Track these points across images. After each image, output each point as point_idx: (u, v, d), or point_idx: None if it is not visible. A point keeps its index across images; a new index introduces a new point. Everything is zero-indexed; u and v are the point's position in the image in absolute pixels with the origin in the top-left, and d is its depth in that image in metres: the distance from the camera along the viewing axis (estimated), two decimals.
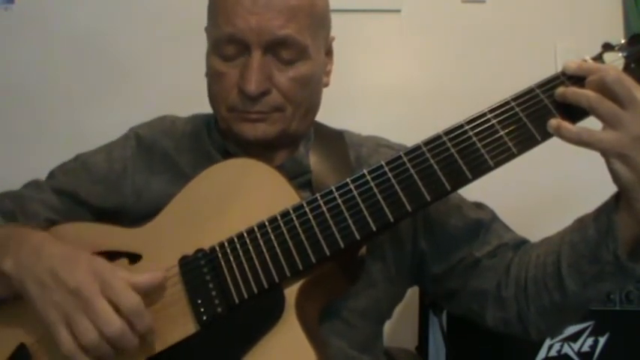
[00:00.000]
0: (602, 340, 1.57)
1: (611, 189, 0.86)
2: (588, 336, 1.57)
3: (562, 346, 1.58)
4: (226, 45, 0.96)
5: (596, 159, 0.85)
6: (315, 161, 1.03)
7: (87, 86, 1.86)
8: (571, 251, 0.91)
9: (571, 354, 1.58)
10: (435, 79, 1.96)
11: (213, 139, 1.06)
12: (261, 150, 1.00)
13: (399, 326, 1.78)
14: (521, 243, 1.02)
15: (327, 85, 1.06)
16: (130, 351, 0.82)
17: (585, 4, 1.99)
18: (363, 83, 1.91)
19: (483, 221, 1.03)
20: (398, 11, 1.95)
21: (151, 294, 0.86)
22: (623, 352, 1.56)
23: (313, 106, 1.04)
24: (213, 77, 0.99)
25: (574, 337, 1.57)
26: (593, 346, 1.57)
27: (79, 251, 0.86)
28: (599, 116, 0.82)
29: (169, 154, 1.05)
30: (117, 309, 0.80)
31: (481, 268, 1.00)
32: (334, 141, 1.09)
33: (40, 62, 1.85)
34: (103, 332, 0.79)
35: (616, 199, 0.87)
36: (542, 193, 1.90)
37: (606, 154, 0.82)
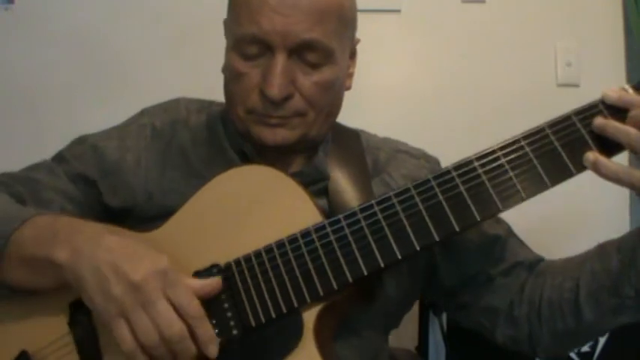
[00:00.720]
0: (602, 340, 1.57)
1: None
2: None
3: None
4: (249, 44, 0.91)
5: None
6: (332, 166, 0.99)
7: (87, 86, 1.86)
8: (591, 280, 0.88)
9: (571, 354, 1.58)
10: (435, 79, 1.96)
11: (230, 134, 1.00)
12: (278, 152, 0.97)
13: (399, 326, 1.78)
14: (536, 262, 0.99)
15: (349, 88, 1.02)
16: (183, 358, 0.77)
17: (585, 4, 1.99)
18: (363, 83, 1.89)
19: (500, 237, 1.00)
20: (398, 11, 1.95)
21: None
22: (623, 352, 1.56)
23: (335, 110, 1.00)
24: (233, 76, 0.94)
25: None
26: (593, 346, 1.57)
27: (143, 246, 0.81)
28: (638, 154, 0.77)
29: (185, 149, 1.00)
30: (177, 312, 0.76)
31: (495, 285, 0.98)
32: (351, 143, 1.05)
33: (40, 62, 1.85)
34: (163, 333, 0.75)
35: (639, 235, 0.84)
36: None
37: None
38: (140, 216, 0.97)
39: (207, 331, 0.78)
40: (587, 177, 0.81)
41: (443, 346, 1.77)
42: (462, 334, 1.56)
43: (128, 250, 0.79)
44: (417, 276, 1.01)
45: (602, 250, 0.89)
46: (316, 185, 0.97)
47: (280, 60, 0.89)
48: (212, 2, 1.75)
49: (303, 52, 0.91)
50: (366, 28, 1.90)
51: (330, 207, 0.95)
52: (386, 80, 1.94)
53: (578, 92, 1.95)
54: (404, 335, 1.78)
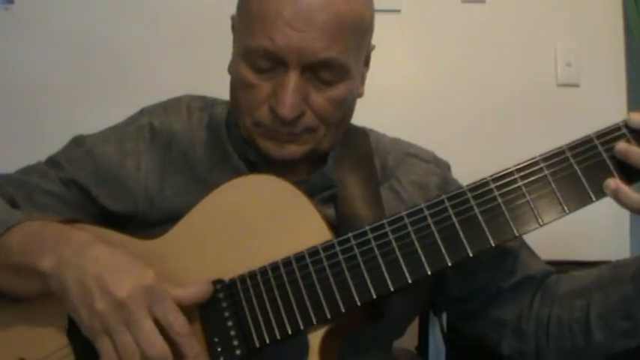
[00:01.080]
0: None
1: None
2: None
3: None
4: (260, 58, 0.86)
5: None
6: (340, 171, 0.96)
7: (87, 86, 1.86)
8: (603, 302, 0.86)
9: None
10: (435, 78, 1.96)
11: (233, 138, 0.97)
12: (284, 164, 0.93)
13: None
14: (547, 275, 0.97)
15: (361, 95, 0.98)
16: None
17: (585, 4, 1.99)
18: None
19: (511, 249, 0.97)
20: (398, 11, 1.95)
21: None
22: (623, 351, 1.55)
23: (347, 121, 0.97)
24: (241, 85, 0.90)
25: None
26: None
27: (128, 257, 0.79)
28: None
29: (186, 153, 0.97)
30: (162, 329, 0.75)
31: (504, 298, 0.96)
32: (360, 144, 1.02)
33: (40, 62, 1.85)
34: (145, 352, 0.74)
35: None
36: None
37: None
38: (143, 221, 0.95)
39: (193, 349, 0.76)
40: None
41: (443, 346, 1.76)
42: (462, 334, 1.56)
43: (114, 262, 0.78)
44: (425, 288, 0.98)
45: (616, 272, 0.87)
46: (324, 193, 0.95)
47: (293, 77, 0.85)
48: (212, 2, 1.75)
49: (317, 69, 0.87)
50: None
51: (338, 216, 0.93)
52: (386, 80, 1.93)
53: (578, 92, 1.95)
54: (404, 335, 1.77)
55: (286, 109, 0.85)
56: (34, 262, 0.79)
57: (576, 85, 1.95)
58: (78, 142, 1.01)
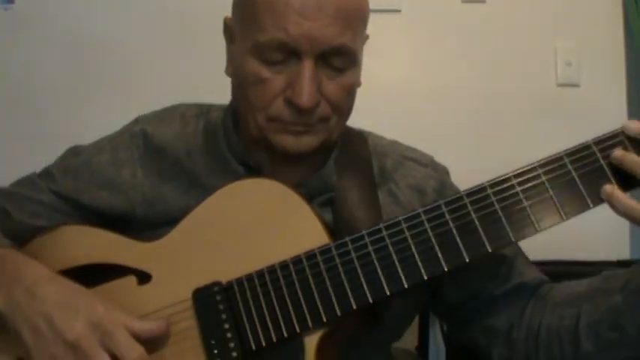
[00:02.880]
0: None
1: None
2: None
3: None
4: (274, 51, 0.86)
5: None
6: (338, 174, 0.96)
7: (86, 86, 1.86)
8: (593, 311, 0.86)
9: None
10: (435, 78, 1.96)
11: (231, 143, 0.97)
12: (286, 160, 0.93)
13: None
14: (540, 284, 0.97)
15: (360, 84, 0.98)
16: None
17: (585, 4, 1.99)
18: (363, 83, 1.90)
19: (507, 256, 0.97)
20: (398, 11, 1.95)
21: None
22: None
23: (352, 110, 0.97)
24: (252, 82, 0.88)
25: None
26: None
27: (78, 294, 0.81)
28: None
29: (181, 160, 0.97)
30: None
31: (497, 305, 0.96)
32: (358, 148, 1.02)
33: (39, 62, 1.85)
34: None
35: None
36: None
37: None
38: (142, 223, 0.95)
39: None
40: None
41: (443, 346, 1.76)
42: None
43: (63, 301, 0.79)
44: (422, 292, 0.98)
45: (607, 283, 0.87)
46: (322, 196, 0.95)
47: (308, 66, 0.85)
48: (213, 2, 1.75)
49: (329, 57, 0.87)
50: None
51: (335, 219, 0.92)
52: (386, 80, 1.93)
53: (578, 92, 1.95)
54: (404, 335, 1.78)
55: (305, 99, 0.85)
56: None
57: (576, 85, 1.95)
58: (74, 152, 1.02)
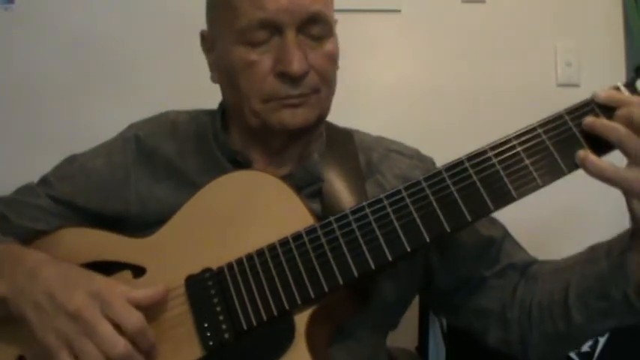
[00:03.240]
0: (602, 340, 1.57)
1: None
2: None
3: None
4: (256, 31, 0.90)
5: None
6: (326, 168, 0.99)
7: (87, 86, 1.85)
8: (580, 283, 0.88)
9: (571, 354, 1.58)
10: (435, 79, 1.96)
11: (220, 142, 1.01)
12: (275, 151, 0.98)
13: (399, 326, 1.78)
14: (530, 263, 1.00)
15: (338, 55, 1.01)
16: None
17: (585, 4, 1.99)
18: (363, 83, 1.91)
19: (495, 239, 1.00)
20: (398, 11, 1.95)
21: (154, 313, 0.84)
22: (623, 352, 1.56)
23: (336, 84, 1.00)
24: (241, 68, 0.93)
25: None
26: (593, 346, 1.57)
27: (77, 271, 0.84)
28: (626, 153, 0.78)
29: (172, 160, 1.01)
30: (119, 329, 0.78)
31: (488, 287, 0.98)
32: (345, 144, 1.05)
33: (39, 62, 1.85)
34: (108, 355, 0.77)
35: (631, 236, 0.84)
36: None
37: (627, 193, 0.79)
38: (137, 223, 0.98)
39: (149, 344, 0.80)
40: (586, 176, 0.81)
41: (443, 346, 1.76)
42: (462, 334, 1.56)
43: (63, 278, 0.82)
44: (414, 277, 1.01)
45: (593, 253, 0.89)
46: (310, 188, 0.97)
47: (291, 36, 0.90)
48: None
49: (308, 26, 0.92)
50: (366, 28, 1.91)
51: (324, 210, 0.95)
52: (386, 80, 1.94)
53: (578, 92, 1.92)
54: (404, 335, 1.78)
55: (296, 65, 0.89)
56: None
57: (576, 85, 1.95)
58: (69, 160, 1.07)
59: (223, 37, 0.96)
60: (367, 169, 1.02)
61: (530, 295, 0.95)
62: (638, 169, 0.76)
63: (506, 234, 1.02)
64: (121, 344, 0.77)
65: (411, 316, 1.75)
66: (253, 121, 0.95)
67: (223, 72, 0.97)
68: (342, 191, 0.96)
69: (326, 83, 0.95)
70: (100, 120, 1.81)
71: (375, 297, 0.92)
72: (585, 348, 1.57)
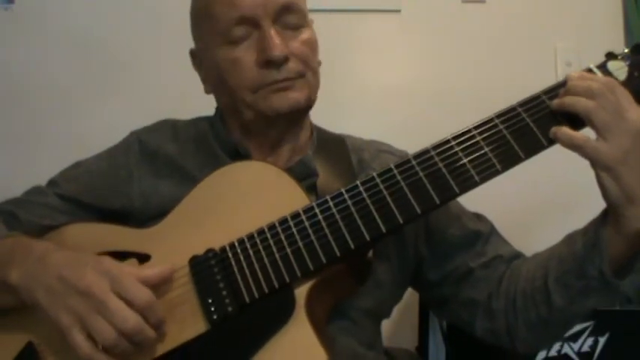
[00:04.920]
0: (602, 340, 1.57)
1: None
2: (588, 336, 1.57)
3: (562, 346, 1.58)
4: (235, 28, 0.96)
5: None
6: (319, 165, 1.03)
7: (87, 86, 1.85)
8: (559, 265, 0.91)
9: (571, 354, 1.58)
10: (435, 79, 1.96)
11: (221, 139, 1.06)
12: (272, 144, 1.02)
13: (399, 326, 1.78)
14: (517, 256, 1.03)
15: (317, 42, 1.06)
16: (146, 344, 0.83)
17: (585, 4, 1.99)
18: (363, 83, 1.91)
19: (482, 232, 1.04)
20: (398, 11, 1.95)
21: (160, 292, 0.87)
22: (623, 352, 1.56)
23: (318, 69, 1.04)
24: (228, 68, 0.98)
25: (574, 337, 1.57)
26: (593, 346, 1.57)
27: (84, 254, 0.87)
28: (593, 126, 0.82)
29: (173, 159, 1.05)
30: (129, 304, 0.81)
31: (474, 278, 1.01)
32: (336, 146, 1.09)
33: (39, 62, 1.85)
34: (120, 329, 0.79)
35: (604, 214, 0.86)
36: (542, 197, 1.90)
37: (596, 164, 0.81)
38: (139, 218, 1.01)
39: (158, 318, 0.83)
40: (583, 168, 0.82)
41: (443, 346, 1.77)
42: (462, 334, 1.56)
43: (72, 261, 0.85)
44: (406, 263, 1.04)
45: (570, 236, 0.92)
46: (305, 182, 0.99)
47: (268, 26, 0.95)
48: None
49: (283, 17, 0.97)
50: (366, 28, 1.91)
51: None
52: (386, 80, 1.94)
53: None
54: (404, 335, 1.78)
55: (276, 49, 0.94)
56: (4, 276, 0.87)
57: None
58: (75, 165, 1.10)
59: (209, 46, 1.01)
60: (359, 166, 1.06)
61: (514, 285, 0.97)
62: (605, 142, 0.80)
63: (493, 230, 1.06)
64: (132, 318, 0.80)
65: (411, 316, 1.76)
66: (248, 113, 1.00)
67: (213, 77, 1.02)
68: (335, 184, 0.98)
69: (310, 69, 1.00)
70: (99, 120, 1.81)
71: (370, 279, 0.95)
72: (585, 348, 1.57)
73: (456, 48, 1.96)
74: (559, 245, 0.94)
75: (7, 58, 1.85)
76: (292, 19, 0.98)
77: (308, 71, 0.99)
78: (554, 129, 0.84)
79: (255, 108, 0.98)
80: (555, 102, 0.87)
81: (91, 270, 0.82)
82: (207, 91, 1.06)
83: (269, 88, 0.97)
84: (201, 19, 1.02)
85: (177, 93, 1.73)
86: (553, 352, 1.58)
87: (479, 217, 1.07)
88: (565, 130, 0.83)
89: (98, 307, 0.80)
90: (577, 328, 1.57)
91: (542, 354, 1.56)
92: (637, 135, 0.80)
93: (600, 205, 0.85)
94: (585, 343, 1.57)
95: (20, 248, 0.90)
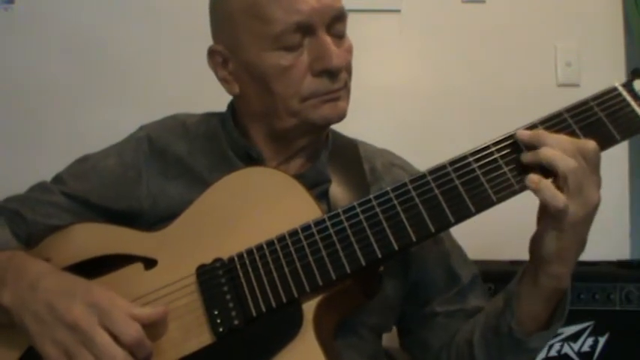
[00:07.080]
0: (602, 340, 1.57)
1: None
2: (588, 336, 1.57)
3: (562, 346, 1.58)
4: (292, 35, 0.92)
5: None
6: (332, 171, 1.01)
7: (87, 86, 1.86)
8: (483, 321, 0.92)
9: (571, 354, 1.58)
10: (435, 79, 1.96)
11: (233, 139, 1.02)
12: (292, 151, 1.00)
13: None
14: (477, 311, 1.02)
15: None
16: (149, 357, 0.81)
17: (585, 4, 1.99)
18: (363, 83, 1.89)
19: (460, 279, 1.03)
20: (398, 11, 1.95)
21: (166, 300, 0.86)
22: (623, 352, 1.56)
23: None
24: (277, 74, 0.94)
25: (574, 337, 1.57)
26: (593, 346, 1.57)
27: (77, 282, 0.85)
28: (566, 184, 0.80)
29: (183, 159, 1.02)
30: (117, 339, 0.79)
31: (435, 322, 1.02)
32: (349, 151, 1.07)
33: (40, 62, 1.85)
34: None
35: (524, 270, 0.87)
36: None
37: (556, 220, 0.80)
38: (148, 220, 0.99)
39: (146, 354, 0.80)
40: None
41: None
42: None
43: (62, 289, 0.82)
44: (404, 282, 1.03)
45: (500, 293, 0.93)
46: (318, 188, 0.98)
47: (324, 34, 0.93)
48: None
49: (334, 24, 0.95)
50: (366, 28, 1.91)
51: (330, 210, 0.94)
52: (386, 80, 1.93)
53: (578, 92, 1.91)
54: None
55: (336, 60, 0.93)
56: None
57: (576, 85, 1.96)
58: (81, 160, 1.07)
59: (249, 47, 0.96)
60: (371, 175, 1.04)
61: (457, 338, 0.99)
62: (572, 201, 0.79)
63: (473, 279, 1.05)
64: (119, 354, 0.77)
65: None
66: (289, 121, 0.96)
67: (252, 80, 0.97)
68: (347, 192, 0.98)
69: (350, 77, 0.99)
70: (99, 120, 1.81)
71: (378, 290, 0.93)
72: (585, 348, 1.57)
73: (456, 48, 1.96)
74: (492, 301, 0.95)
75: (6, 58, 1.85)
76: (341, 27, 0.96)
77: (349, 80, 0.98)
78: (531, 178, 0.81)
79: (301, 116, 0.95)
80: (530, 180, 0.82)
81: (80, 302, 0.80)
82: (231, 92, 1.01)
83: (321, 98, 0.95)
84: (244, 18, 0.95)
85: (177, 93, 1.73)
86: (553, 353, 1.58)
87: (466, 260, 1.06)
88: (531, 176, 0.81)
89: (85, 341, 0.78)
90: (577, 328, 1.57)
91: (542, 354, 1.56)
92: (596, 206, 0.81)
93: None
94: (585, 343, 1.57)
95: (14, 267, 0.87)
